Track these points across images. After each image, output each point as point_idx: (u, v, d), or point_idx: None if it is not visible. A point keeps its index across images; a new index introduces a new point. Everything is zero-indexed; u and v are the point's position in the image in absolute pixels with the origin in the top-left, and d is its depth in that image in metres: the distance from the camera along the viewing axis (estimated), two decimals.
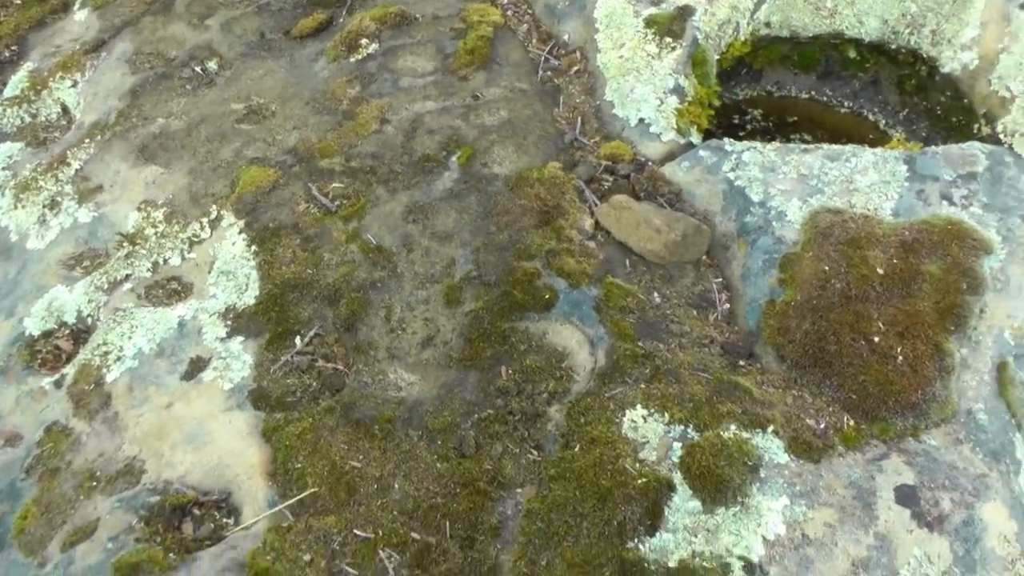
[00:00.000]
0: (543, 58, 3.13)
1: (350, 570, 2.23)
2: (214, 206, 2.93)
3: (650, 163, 2.87)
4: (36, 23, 3.92)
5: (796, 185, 2.73)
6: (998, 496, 2.27)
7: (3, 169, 3.36)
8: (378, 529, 2.28)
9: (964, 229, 2.61)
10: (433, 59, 3.19)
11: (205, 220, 2.91)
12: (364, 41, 3.23)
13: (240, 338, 2.62)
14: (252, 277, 2.73)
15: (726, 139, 2.88)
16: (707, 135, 3.03)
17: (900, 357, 2.42)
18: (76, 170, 3.20)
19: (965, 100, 3.17)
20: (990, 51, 3.21)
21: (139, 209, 3.00)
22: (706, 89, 3.02)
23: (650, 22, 3.01)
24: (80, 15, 3.89)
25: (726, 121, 3.27)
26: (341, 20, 3.44)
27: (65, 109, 3.57)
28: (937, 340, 2.44)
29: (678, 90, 2.94)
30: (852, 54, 3.33)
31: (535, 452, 2.37)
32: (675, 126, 2.86)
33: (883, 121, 3.42)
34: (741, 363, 2.52)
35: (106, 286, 2.84)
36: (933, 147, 2.84)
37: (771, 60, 3.27)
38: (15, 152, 3.41)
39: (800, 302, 2.51)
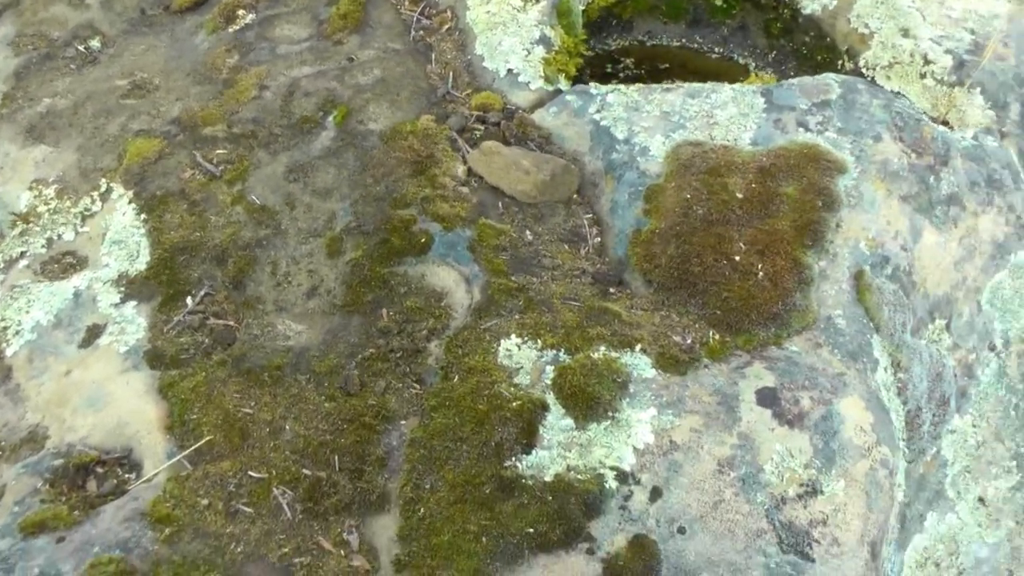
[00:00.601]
0: (415, 19, 3.23)
1: (246, 509, 2.32)
2: (103, 180, 3.00)
3: (520, 111, 2.98)
4: None
5: (659, 122, 2.85)
6: (855, 392, 2.41)
7: None
8: (271, 469, 2.37)
9: (819, 152, 2.75)
10: (308, 26, 3.28)
11: (95, 194, 2.98)
12: (241, 12, 3.30)
13: (133, 303, 2.70)
14: (142, 244, 2.81)
15: (592, 83, 3.00)
16: (578, 83, 3.13)
17: (761, 273, 2.55)
18: None
19: (828, 39, 3.32)
20: None
21: (30, 188, 3.06)
22: (573, 39, 3.13)
23: None
24: None
25: (599, 71, 3.39)
26: None
27: None
28: (795, 255, 2.58)
29: (544, 40, 3.05)
30: (719, 2, 3.46)
31: (417, 386, 2.47)
32: (543, 74, 2.97)
33: (753, 64, 3.57)
34: (611, 290, 2.64)
35: (1, 265, 2.89)
36: (789, 79, 2.98)
37: (640, 11, 3.39)
38: None
39: (664, 229, 2.64)
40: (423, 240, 2.66)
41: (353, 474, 2.36)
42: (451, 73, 3.10)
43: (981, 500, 2.91)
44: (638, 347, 2.43)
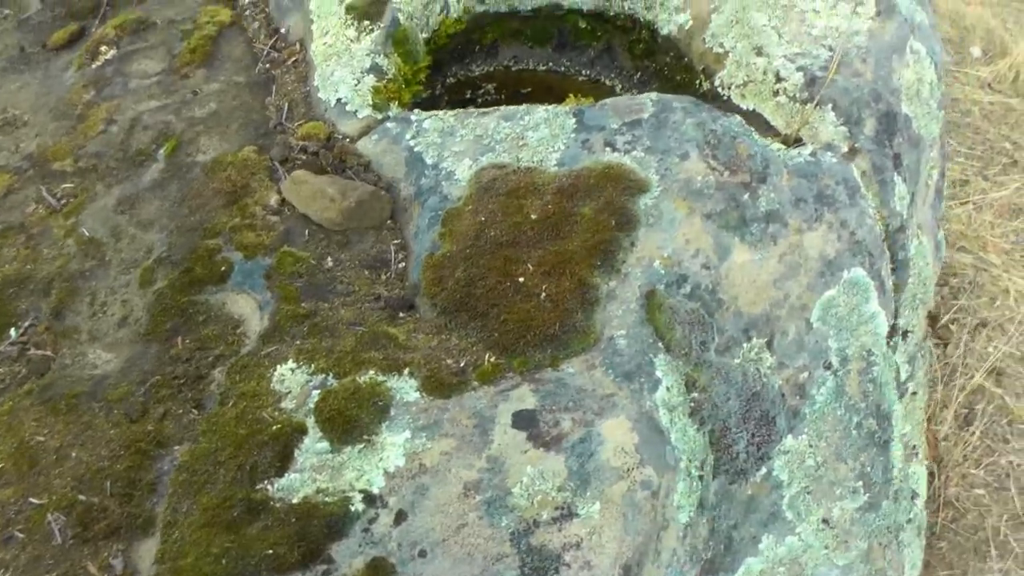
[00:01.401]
0: (265, 52, 3.29)
1: (19, 535, 2.38)
2: None
3: (347, 139, 3.01)
4: None
5: (471, 146, 2.86)
6: (623, 413, 2.38)
7: None
8: (51, 495, 2.43)
9: (622, 172, 2.73)
10: (163, 60, 3.37)
11: None
12: (104, 48, 3.40)
13: None
14: None
15: (414, 110, 3.02)
16: (430, 110, 3.16)
17: (544, 294, 2.55)
18: None
19: (685, 59, 3.29)
20: (702, 12, 3.34)
21: None
22: (410, 67, 3.16)
23: (350, 8, 3.16)
24: None
25: (458, 97, 3.40)
26: (93, 29, 3.61)
27: None
28: (582, 276, 2.57)
29: (375, 69, 3.09)
30: (584, 24, 3.46)
31: (195, 411, 2.51)
32: (371, 103, 3.01)
33: (619, 86, 3.56)
34: (401, 315, 2.65)
35: None
36: (604, 100, 2.97)
37: (504, 35, 3.41)
38: None
39: (454, 252, 2.65)
40: (223, 269, 2.71)
41: (123, 499, 2.40)
42: (286, 104, 3.15)
43: (826, 521, 2.85)
44: (406, 371, 2.44)
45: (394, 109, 3.03)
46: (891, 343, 3.08)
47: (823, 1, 3.34)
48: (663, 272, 2.57)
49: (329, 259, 2.75)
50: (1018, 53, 6.00)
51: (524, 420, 2.34)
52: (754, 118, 3.18)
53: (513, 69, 3.53)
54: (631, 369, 2.43)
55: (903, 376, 3.26)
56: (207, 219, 2.83)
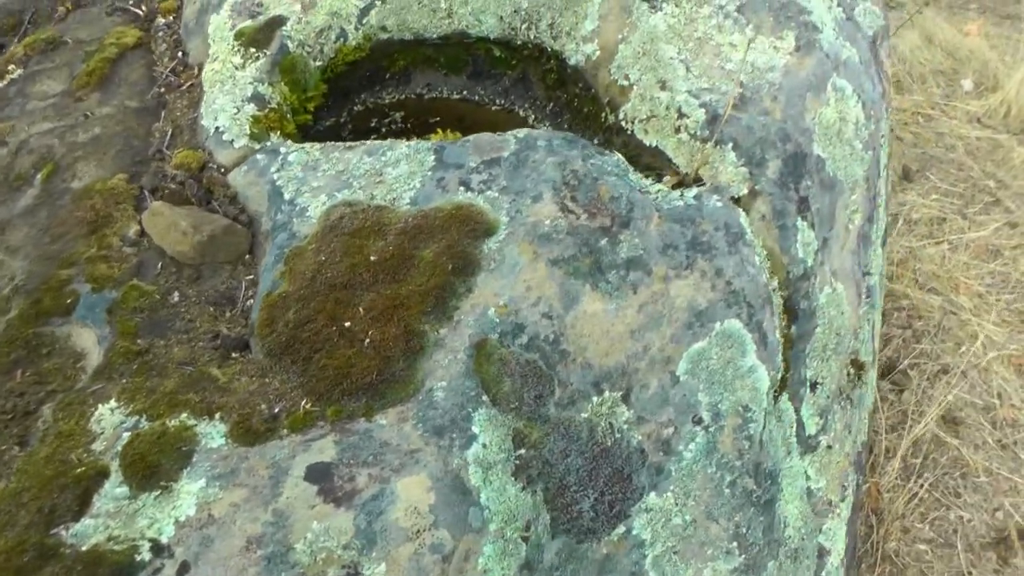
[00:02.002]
0: (163, 75, 3.28)
1: None
2: None
3: (221, 169, 2.99)
4: None
5: (330, 181, 2.81)
6: (424, 470, 2.32)
7: None
8: None
9: (470, 213, 2.66)
10: (64, 82, 3.38)
11: None
12: (11, 67, 3.43)
13: None
14: None
15: (287, 142, 2.98)
16: (327, 139, 3.12)
17: (368, 340, 2.49)
18: None
19: (592, 90, 3.20)
20: (610, 42, 3.24)
21: None
22: (298, 95, 3.12)
23: (239, 34, 3.13)
24: None
25: (364, 125, 3.35)
26: (11, 49, 3.65)
27: None
28: (410, 322, 2.51)
29: (257, 98, 3.05)
30: (498, 52, 3.39)
31: (17, 448, 2.51)
32: (248, 133, 2.98)
33: (532, 116, 3.47)
34: (234, 355, 2.62)
35: None
36: (468, 137, 2.89)
37: (417, 62, 3.35)
38: None
39: (290, 293, 2.61)
40: (70, 301, 2.71)
41: None
42: (170, 131, 3.13)
43: None
44: (218, 415, 2.41)
45: (274, 139, 2.98)
46: (786, 396, 2.95)
47: (741, 34, 3.20)
48: (497, 321, 2.49)
49: (176, 294, 2.72)
50: (1011, 87, 5.71)
51: (318, 473, 2.28)
52: (658, 155, 3.07)
53: (426, 97, 3.46)
54: (443, 424, 2.36)
55: (811, 430, 3.13)
56: (65, 248, 2.83)
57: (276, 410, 2.42)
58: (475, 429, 2.38)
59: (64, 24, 3.62)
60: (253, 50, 3.14)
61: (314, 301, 2.53)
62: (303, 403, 2.44)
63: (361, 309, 2.51)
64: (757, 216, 2.94)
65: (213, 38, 3.25)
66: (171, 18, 3.50)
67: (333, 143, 2.92)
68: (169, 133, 3.14)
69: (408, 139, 3.24)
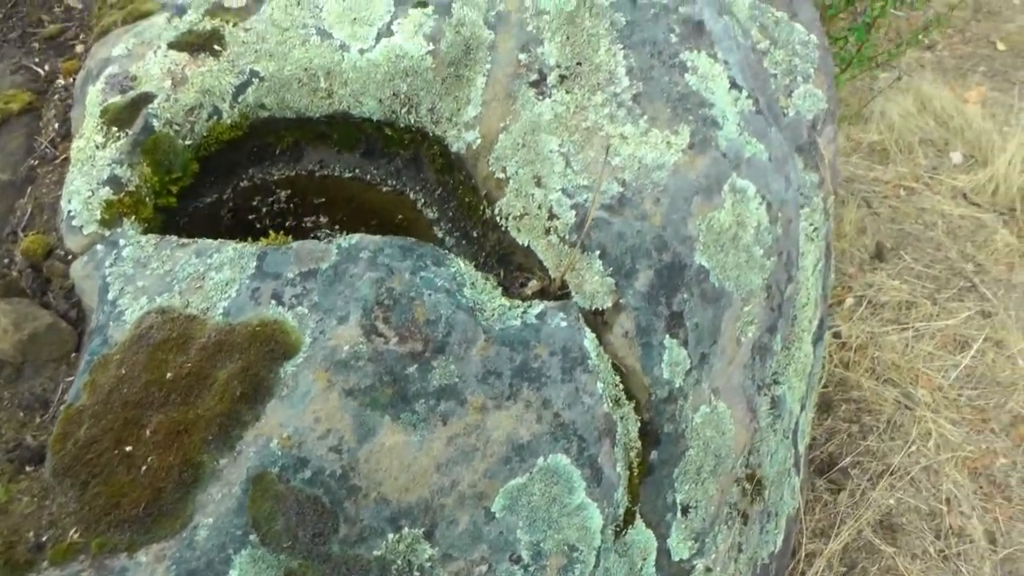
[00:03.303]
0: (42, 146, 3.23)
1: None
2: None
3: (68, 256, 2.93)
4: None
5: (155, 283, 2.73)
6: None
7: None
8: None
9: (275, 331, 2.55)
10: None
11: None
12: None
13: None
14: None
15: (127, 232, 2.90)
16: (199, 224, 3.04)
17: (146, 468, 2.41)
18: None
19: (473, 180, 3.05)
20: (492, 130, 3.07)
21: None
22: (161, 177, 3.04)
23: (105, 111, 3.06)
24: None
25: (247, 203, 3.26)
26: None
27: None
28: (190, 451, 2.41)
29: (113, 180, 2.98)
30: (389, 132, 3.25)
31: None
32: (99, 219, 2.91)
33: (421, 200, 3.32)
34: (27, 468, 2.56)
35: None
36: (293, 242, 2.77)
37: (308, 138, 3.24)
38: None
39: (87, 406, 2.54)
40: None
41: None
42: (30, 210, 3.08)
43: None
44: None
45: (127, 225, 2.90)
46: (642, 525, 2.77)
47: (633, 126, 2.99)
48: (280, 453, 2.37)
49: None
50: (1001, 163, 5.25)
51: None
52: (530, 255, 2.91)
53: (317, 175, 3.34)
54: (198, 567, 2.26)
55: (683, 555, 2.95)
56: None
57: (43, 539, 2.35)
58: (232, 573, 2.26)
59: None
60: (115, 129, 3.06)
61: (105, 419, 2.45)
62: (72, 532, 2.35)
63: (148, 432, 2.42)
64: (620, 333, 2.75)
65: (88, 111, 3.17)
66: (71, 79, 3.43)
67: (169, 238, 2.82)
68: (28, 212, 3.08)
69: (285, 221, 3.12)
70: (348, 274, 2.63)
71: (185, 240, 2.84)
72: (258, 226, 3.22)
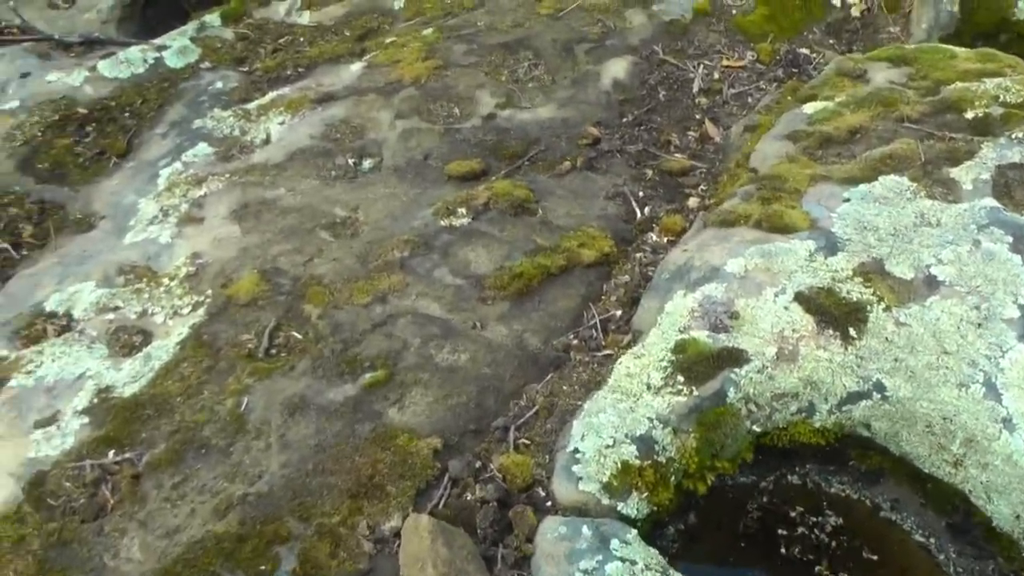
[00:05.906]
0: (592, 322, 2.54)
1: None
2: None
3: (547, 504, 2.24)
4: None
5: None
6: None
7: (185, 163, 3.58)
8: None
9: None
10: None
11: None
12: None
13: None
14: None
15: (630, 532, 2.15)
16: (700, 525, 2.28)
17: None
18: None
19: None
20: None
21: None
22: (704, 459, 2.27)
23: (682, 347, 2.34)
24: None
25: (781, 509, 2.43)
26: None
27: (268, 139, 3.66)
28: None
29: (646, 441, 2.24)
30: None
31: None
32: (605, 480, 2.20)
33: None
34: None
35: None
36: None
37: (897, 471, 2.39)
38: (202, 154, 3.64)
39: None
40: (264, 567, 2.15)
41: None
42: (536, 406, 2.45)
43: None
44: None
45: (632, 502, 2.24)
46: None
47: None
48: None
49: None
50: None
51: None
52: None
53: (881, 516, 2.49)
54: None
55: None
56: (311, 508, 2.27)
57: None
58: None
59: None
60: (682, 378, 2.28)
61: None
62: None
63: None
64: None
65: (661, 327, 2.42)
66: (665, 239, 2.68)
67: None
68: (533, 410, 2.37)
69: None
70: None
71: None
72: (784, 551, 2.34)
